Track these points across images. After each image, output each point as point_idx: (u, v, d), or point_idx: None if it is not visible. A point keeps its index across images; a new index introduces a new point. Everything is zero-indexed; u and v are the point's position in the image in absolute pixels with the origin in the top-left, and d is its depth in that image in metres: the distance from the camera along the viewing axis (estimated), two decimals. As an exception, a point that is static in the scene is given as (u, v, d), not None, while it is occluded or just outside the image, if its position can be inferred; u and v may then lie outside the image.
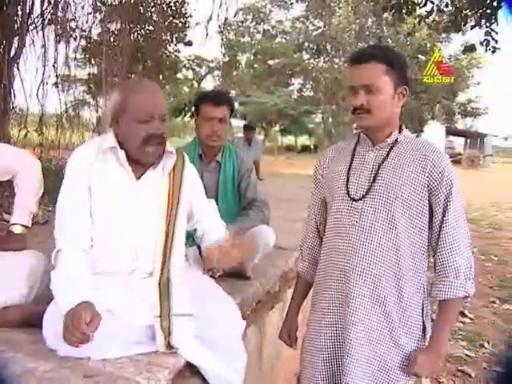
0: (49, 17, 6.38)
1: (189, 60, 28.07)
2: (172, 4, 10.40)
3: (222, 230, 2.03)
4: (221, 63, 27.59)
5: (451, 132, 30.79)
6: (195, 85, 30.12)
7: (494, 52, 7.60)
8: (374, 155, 1.65)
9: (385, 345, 1.59)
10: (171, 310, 1.68)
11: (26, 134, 5.40)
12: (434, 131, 28.60)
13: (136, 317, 1.68)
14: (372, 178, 1.62)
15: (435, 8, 8.22)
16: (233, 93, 28.03)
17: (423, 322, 1.64)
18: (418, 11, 8.51)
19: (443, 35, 25.29)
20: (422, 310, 1.64)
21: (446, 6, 7.92)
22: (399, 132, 1.65)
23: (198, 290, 1.81)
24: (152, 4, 10.08)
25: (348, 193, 1.65)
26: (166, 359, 1.64)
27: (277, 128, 37.30)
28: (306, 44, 32.27)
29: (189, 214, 1.96)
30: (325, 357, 1.67)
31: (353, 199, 1.63)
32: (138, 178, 1.81)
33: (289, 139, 43.43)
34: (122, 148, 1.78)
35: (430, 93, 30.35)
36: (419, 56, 28.61)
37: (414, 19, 9.19)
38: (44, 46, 5.86)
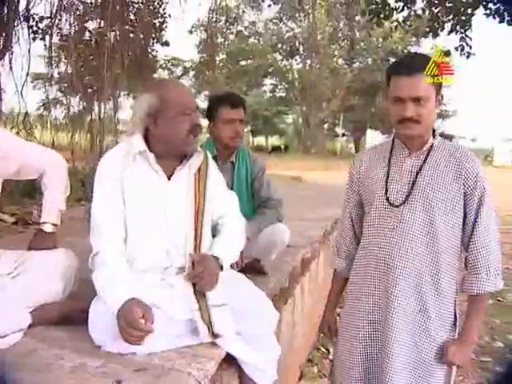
0: (26, 14, 6.31)
1: (165, 60, 27.93)
2: (150, 4, 10.36)
3: (238, 223, 2.07)
4: (196, 63, 27.58)
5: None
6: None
7: (468, 57, 7.90)
8: (411, 162, 1.72)
9: (420, 337, 1.70)
10: (208, 302, 1.75)
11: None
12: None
13: (176, 311, 1.73)
14: (411, 185, 1.70)
15: (412, 13, 8.47)
16: (207, 93, 28.09)
17: (455, 314, 1.75)
18: (395, 16, 8.74)
19: (413, 39, 25.92)
20: (455, 304, 1.74)
21: (423, 11, 8.18)
22: (433, 137, 1.73)
23: (230, 284, 1.87)
24: (130, 3, 10.02)
25: (388, 199, 1.73)
26: (210, 350, 1.70)
27: (248, 128, 37.44)
28: (279, 45, 32.54)
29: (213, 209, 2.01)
30: (363, 345, 1.76)
31: (392, 205, 1.72)
32: (169, 179, 1.88)
33: (258, 140, 43.66)
34: (151, 150, 1.84)
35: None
36: (391, 59, 29.23)
37: (391, 24, 9.44)
38: (30, 43, 5.79)
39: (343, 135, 41.79)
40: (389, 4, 8.06)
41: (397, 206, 1.71)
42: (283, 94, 37.17)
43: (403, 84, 1.64)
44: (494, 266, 1.67)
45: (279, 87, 37.62)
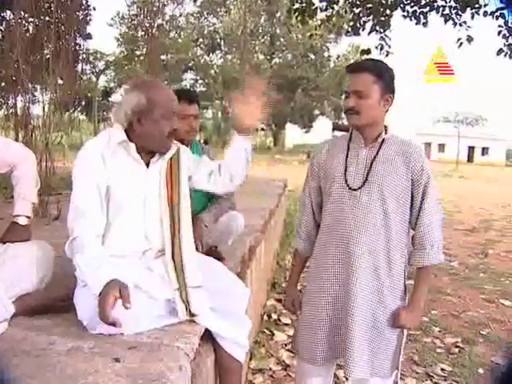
0: None
1: (87, 53, 26.97)
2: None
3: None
4: (118, 56, 26.84)
5: (338, 127, 32.71)
6: (93, 79, 29.04)
7: (387, 55, 8.47)
8: (366, 152, 1.97)
9: (376, 306, 1.94)
10: (186, 283, 1.89)
11: None
12: (322, 126, 30.31)
13: (157, 291, 1.86)
14: (367, 172, 1.94)
15: (334, 13, 8.92)
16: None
17: (405, 285, 2.01)
18: (319, 15, 9.17)
19: (332, 36, 26.94)
20: (404, 276, 2.01)
21: (345, 12, 8.64)
22: (385, 132, 1.98)
23: (206, 265, 2.04)
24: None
25: (347, 183, 1.96)
26: (191, 327, 1.85)
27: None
28: (201, 40, 32.44)
29: (204, 174, 2.14)
30: (328, 314, 1.99)
31: (351, 188, 1.95)
32: (147, 166, 1.99)
33: (178, 134, 43.42)
34: (131, 141, 1.94)
35: (320, 90, 32.03)
36: (310, 55, 30.14)
37: (315, 22, 9.87)
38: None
39: (262, 129, 42.53)
40: (313, 3, 8.43)
41: (355, 190, 1.95)
42: (204, 89, 37.13)
43: (348, 80, 1.93)
44: (437, 242, 1.95)
45: (199, 82, 37.55)
